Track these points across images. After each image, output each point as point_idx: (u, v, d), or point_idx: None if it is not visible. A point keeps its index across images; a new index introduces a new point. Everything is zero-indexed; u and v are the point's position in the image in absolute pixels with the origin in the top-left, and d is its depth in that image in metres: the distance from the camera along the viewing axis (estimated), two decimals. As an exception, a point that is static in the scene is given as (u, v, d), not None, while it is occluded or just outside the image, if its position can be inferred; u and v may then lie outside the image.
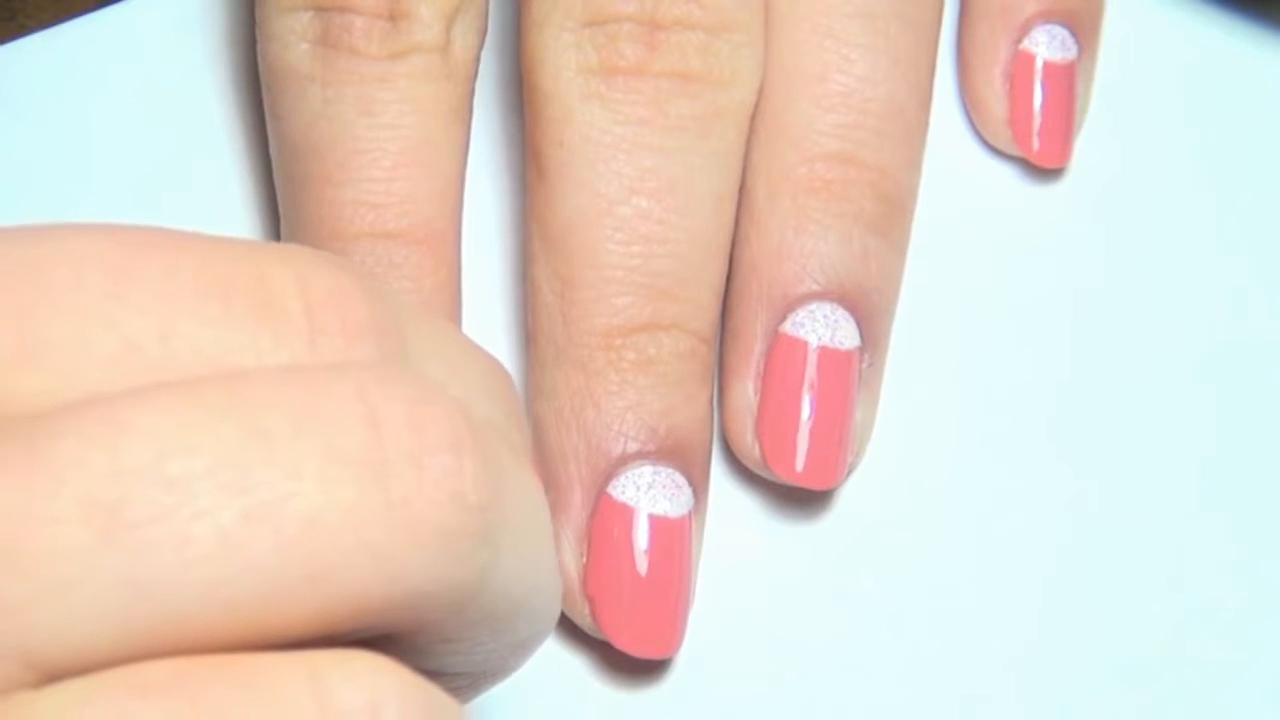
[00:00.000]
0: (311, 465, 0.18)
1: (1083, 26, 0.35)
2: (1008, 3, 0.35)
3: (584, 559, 0.30)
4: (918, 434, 0.33)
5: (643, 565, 0.30)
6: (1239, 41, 0.36)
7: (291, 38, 0.30)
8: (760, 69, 0.31)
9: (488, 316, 0.33)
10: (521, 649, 0.22)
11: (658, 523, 0.30)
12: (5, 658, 0.17)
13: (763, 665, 0.31)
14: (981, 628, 0.32)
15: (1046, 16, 0.35)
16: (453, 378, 0.21)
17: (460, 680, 0.21)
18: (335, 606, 0.18)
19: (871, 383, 0.32)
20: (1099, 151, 0.35)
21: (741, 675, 0.31)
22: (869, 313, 0.32)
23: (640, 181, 0.30)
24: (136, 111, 0.33)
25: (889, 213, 0.32)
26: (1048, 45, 0.35)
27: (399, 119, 0.30)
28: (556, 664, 0.31)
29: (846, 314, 0.31)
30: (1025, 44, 0.35)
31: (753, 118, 0.31)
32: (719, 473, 0.32)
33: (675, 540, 0.30)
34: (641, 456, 0.30)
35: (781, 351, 0.31)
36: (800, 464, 0.31)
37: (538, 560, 0.21)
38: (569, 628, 0.30)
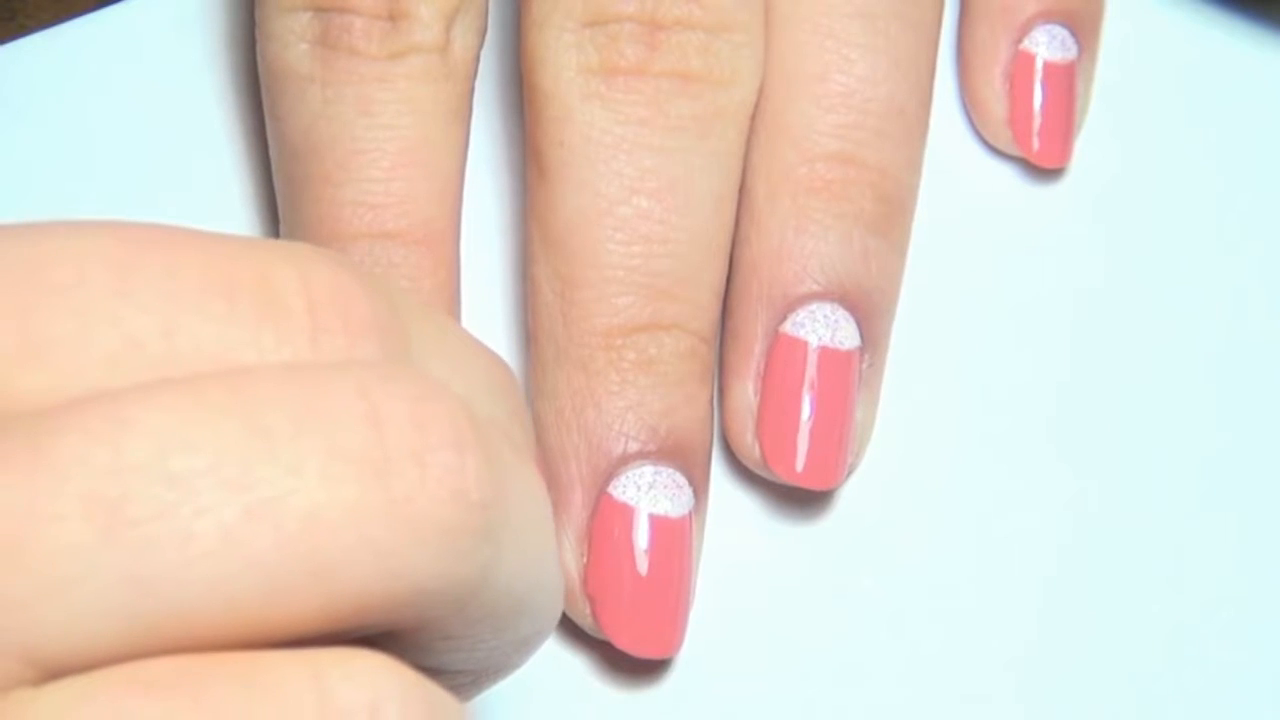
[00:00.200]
0: (313, 462, 0.18)
1: (1083, 26, 0.35)
2: (1008, 3, 0.35)
3: (584, 559, 0.30)
4: (918, 434, 0.33)
5: (643, 565, 0.30)
6: (1239, 41, 0.36)
7: (291, 38, 0.30)
8: (760, 69, 0.31)
9: (488, 316, 0.33)
10: (523, 646, 0.22)
11: (658, 523, 0.30)
12: (6, 655, 0.17)
13: (763, 665, 0.31)
14: (981, 628, 0.32)
15: (1046, 16, 0.35)
16: (455, 375, 0.21)
17: (462, 678, 0.21)
18: (337, 603, 0.18)
19: (871, 383, 0.32)
20: (1099, 151, 0.35)
21: (741, 675, 0.31)
22: (869, 313, 0.32)
23: (640, 181, 0.30)
24: (136, 111, 0.33)
25: (889, 213, 0.32)
26: (1048, 45, 0.35)
27: (398, 119, 0.30)
28: (556, 664, 0.31)
29: (847, 314, 0.31)
30: (1025, 44, 0.35)
31: (753, 118, 0.31)
32: (719, 473, 0.32)
33: (675, 540, 0.30)
34: (642, 456, 0.30)
35: (782, 351, 0.31)
36: (800, 464, 0.31)
37: (540, 557, 0.21)
38: (569, 627, 0.30)
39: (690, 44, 0.30)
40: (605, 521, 0.30)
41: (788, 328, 0.31)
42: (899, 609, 0.32)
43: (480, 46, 0.32)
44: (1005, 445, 0.33)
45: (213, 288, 0.19)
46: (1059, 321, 0.34)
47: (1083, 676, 0.32)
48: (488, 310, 0.33)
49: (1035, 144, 0.35)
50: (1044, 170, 0.35)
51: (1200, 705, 0.32)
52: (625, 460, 0.30)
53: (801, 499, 0.32)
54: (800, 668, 0.31)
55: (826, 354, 0.31)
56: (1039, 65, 0.35)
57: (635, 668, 0.31)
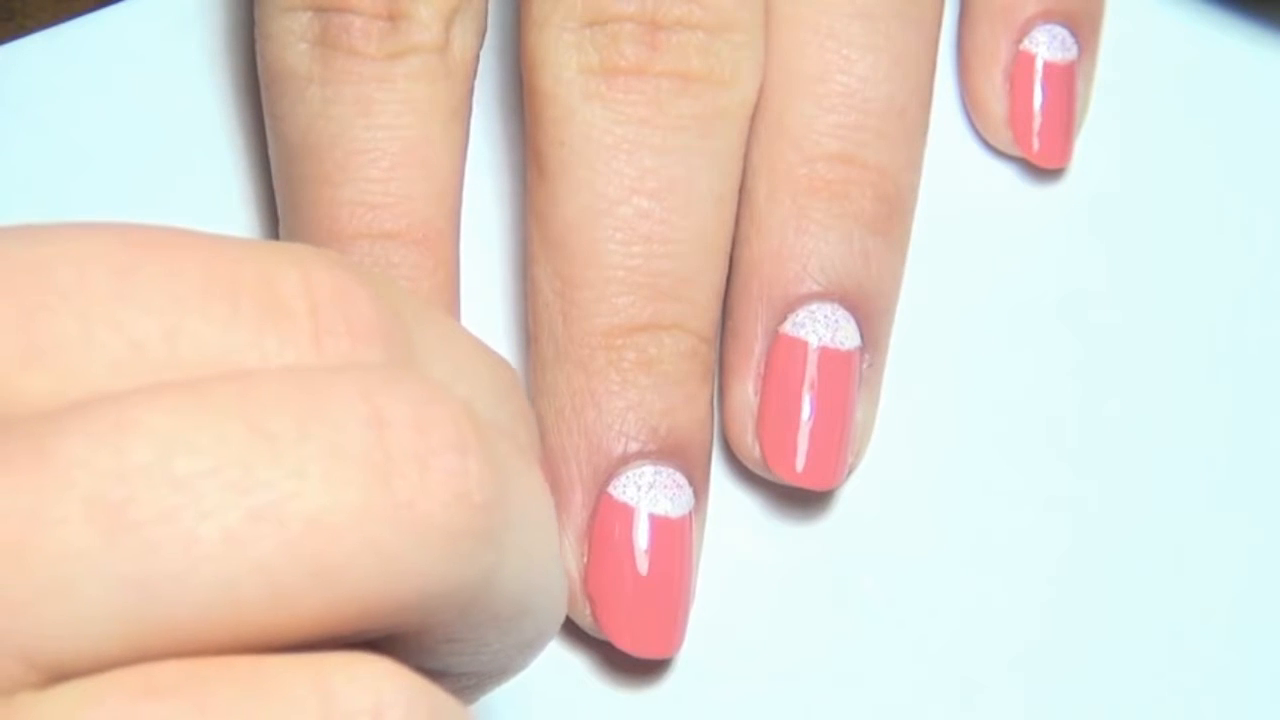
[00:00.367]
0: (316, 465, 0.18)
1: (1083, 27, 0.35)
2: (1008, 3, 0.35)
3: (585, 559, 0.30)
4: (918, 434, 0.33)
5: (643, 565, 0.30)
6: (1239, 41, 0.36)
7: (290, 38, 0.30)
8: (761, 69, 0.31)
9: (488, 316, 0.33)
10: (527, 649, 0.22)
11: (658, 522, 0.30)
12: (10, 657, 0.17)
13: (763, 665, 0.31)
14: (982, 627, 0.32)
15: (1046, 17, 0.35)
16: (458, 377, 0.21)
17: (465, 680, 0.21)
18: (340, 606, 0.18)
19: (872, 383, 0.32)
20: (1099, 151, 0.35)
21: (741, 675, 0.31)
22: (869, 313, 0.32)
23: (641, 181, 0.30)
24: (136, 111, 0.33)
25: (889, 213, 0.32)
26: (1048, 45, 0.35)
27: (397, 119, 0.30)
28: (557, 664, 0.31)
29: (847, 314, 0.31)
30: (1025, 44, 0.35)
31: (753, 118, 0.31)
32: (719, 473, 0.32)
33: (675, 540, 0.30)
34: (642, 456, 0.30)
35: (782, 352, 0.31)
36: (800, 464, 0.31)
37: (543, 560, 0.21)
38: (569, 628, 0.30)
39: (690, 44, 0.30)
40: (605, 521, 0.30)
41: (788, 328, 0.31)
42: (899, 609, 0.32)
43: (480, 47, 0.32)
44: (1005, 445, 0.33)
45: (215, 290, 0.19)
46: (1059, 321, 0.34)
47: (1083, 676, 0.32)
48: (488, 310, 0.33)
49: (1035, 144, 0.35)
50: (1044, 170, 0.35)
51: (1200, 705, 0.32)
52: (625, 460, 0.30)
53: (801, 499, 0.32)
54: (800, 668, 0.31)
55: (827, 354, 0.31)
56: (1039, 65, 0.35)
57: (635, 668, 0.31)
